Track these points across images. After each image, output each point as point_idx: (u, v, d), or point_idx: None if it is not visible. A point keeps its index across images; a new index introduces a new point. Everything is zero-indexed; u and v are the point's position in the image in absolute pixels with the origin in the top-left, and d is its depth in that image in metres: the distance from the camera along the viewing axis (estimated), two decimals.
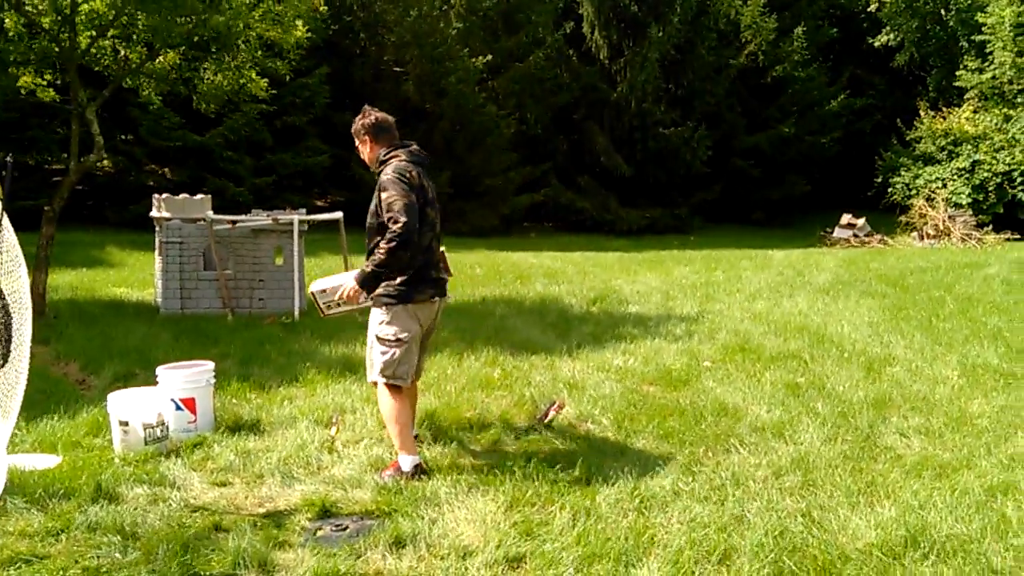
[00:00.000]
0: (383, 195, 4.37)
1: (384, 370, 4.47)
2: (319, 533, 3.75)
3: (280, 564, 3.43)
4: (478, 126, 22.91)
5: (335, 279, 4.77)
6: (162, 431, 4.85)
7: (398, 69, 23.83)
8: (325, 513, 3.94)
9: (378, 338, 4.49)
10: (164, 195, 9.82)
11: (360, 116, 4.69)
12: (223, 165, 19.88)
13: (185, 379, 5.12)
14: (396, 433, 4.46)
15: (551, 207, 24.88)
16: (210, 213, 9.50)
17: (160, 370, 5.19)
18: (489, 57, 23.19)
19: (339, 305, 4.69)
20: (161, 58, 10.85)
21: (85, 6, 9.92)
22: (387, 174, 4.42)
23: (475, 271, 13.87)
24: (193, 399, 5.11)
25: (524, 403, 5.69)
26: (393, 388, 4.49)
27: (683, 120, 24.79)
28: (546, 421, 5.29)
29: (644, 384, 6.29)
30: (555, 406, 5.49)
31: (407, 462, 4.39)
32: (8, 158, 4.25)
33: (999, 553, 3.48)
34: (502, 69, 24.09)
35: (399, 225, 4.24)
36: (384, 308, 4.49)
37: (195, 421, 5.11)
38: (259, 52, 10.71)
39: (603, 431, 5.12)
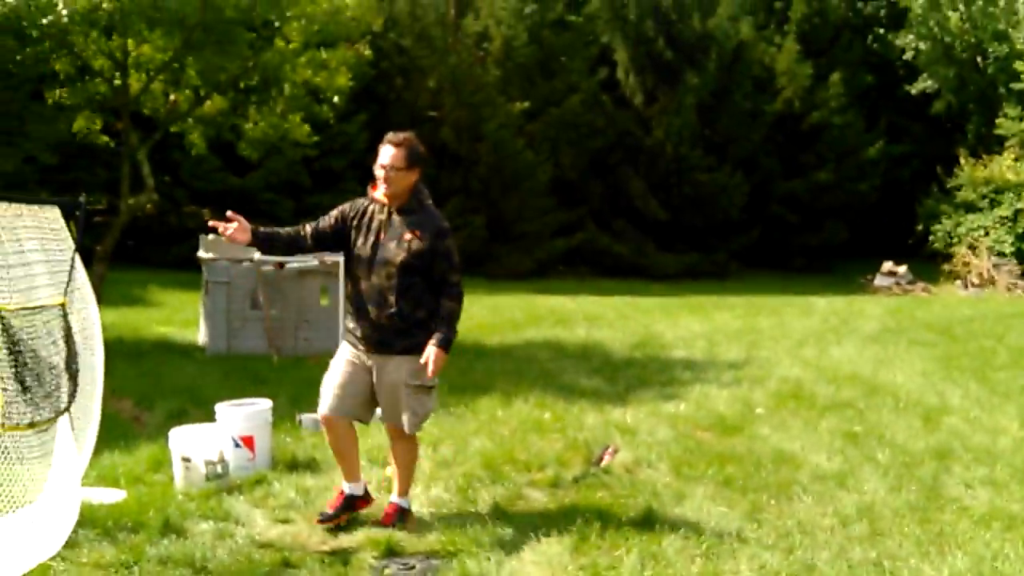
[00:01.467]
0: (445, 243, 4.25)
1: (424, 419, 4.38)
2: (387, 572, 3.74)
3: None
4: (514, 171, 23.10)
5: None
6: (222, 468, 4.87)
7: (434, 114, 24.13)
8: (390, 552, 3.93)
9: (422, 387, 4.26)
10: (211, 236, 9.94)
11: (408, 142, 4.25)
12: (263, 207, 20.14)
13: (245, 417, 5.15)
14: (411, 479, 4.49)
15: (587, 251, 24.93)
16: (257, 254, 9.61)
17: (219, 407, 5.23)
18: (527, 103, 23.51)
19: None
20: (209, 103, 11.10)
21: (136, 51, 10.19)
22: (442, 221, 4.32)
23: (515, 315, 13.89)
24: (252, 437, 5.13)
25: (578, 446, 5.66)
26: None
27: (719, 165, 24.86)
28: (602, 465, 5.25)
29: (698, 430, 6.24)
30: (610, 450, 5.46)
31: (407, 502, 4.43)
32: (81, 199, 4.34)
33: None
34: (537, 114, 24.33)
35: (460, 279, 4.31)
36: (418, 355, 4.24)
37: (254, 459, 5.13)
38: (303, 97, 10.92)
39: (661, 476, 5.07)
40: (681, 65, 25.30)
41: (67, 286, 3.84)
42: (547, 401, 7.05)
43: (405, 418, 4.26)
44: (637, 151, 25.26)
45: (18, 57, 8.77)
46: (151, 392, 7.33)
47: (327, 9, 9.22)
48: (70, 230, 3.98)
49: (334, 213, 4.42)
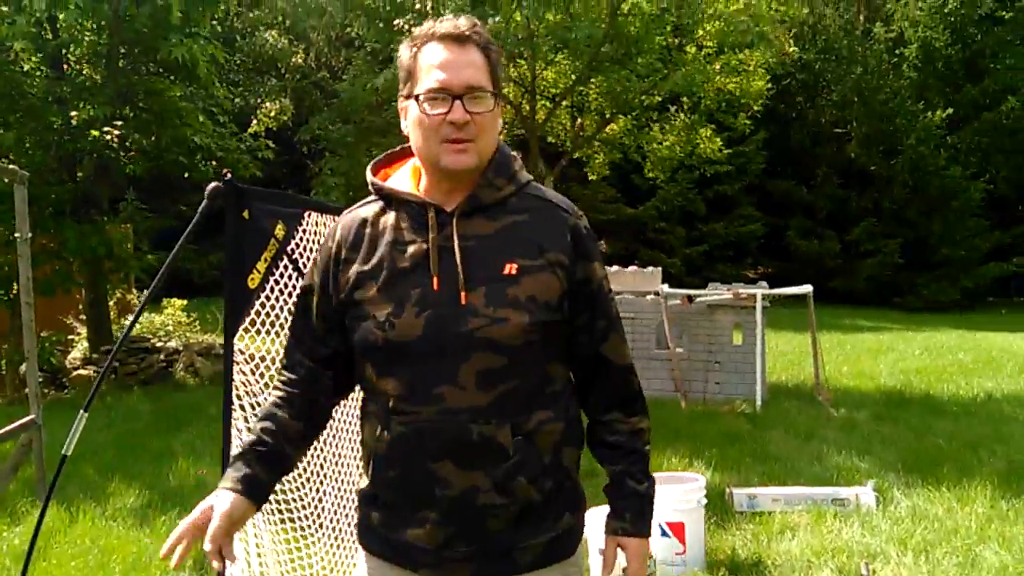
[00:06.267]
0: (594, 268, 1.70)
1: None
2: None
3: None
4: (938, 189, 20.30)
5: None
6: (650, 564, 3.81)
7: (839, 130, 22.20)
8: None
9: None
10: (614, 267, 9.28)
11: (485, 35, 1.64)
12: (654, 236, 20.23)
13: (674, 497, 4.06)
14: None
15: None
16: (664, 287, 8.71)
17: None
18: (950, 111, 20.61)
19: None
20: (613, 125, 10.50)
21: (544, 74, 9.85)
22: (576, 211, 1.79)
23: (959, 356, 11.56)
24: (682, 524, 4.03)
25: None
26: None
27: None
28: None
29: None
30: None
31: None
32: None
33: None
34: (963, 122, 21.20)
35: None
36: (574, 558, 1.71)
37: (683, 552, 4.03)
38: (716, 106, 9.86)
39: None
40: None
41: None
42: None
43: None
44: None
45: None
46: None
47: (745, 7, 8.03)
48: None
49: (306, 286, 1.74)
